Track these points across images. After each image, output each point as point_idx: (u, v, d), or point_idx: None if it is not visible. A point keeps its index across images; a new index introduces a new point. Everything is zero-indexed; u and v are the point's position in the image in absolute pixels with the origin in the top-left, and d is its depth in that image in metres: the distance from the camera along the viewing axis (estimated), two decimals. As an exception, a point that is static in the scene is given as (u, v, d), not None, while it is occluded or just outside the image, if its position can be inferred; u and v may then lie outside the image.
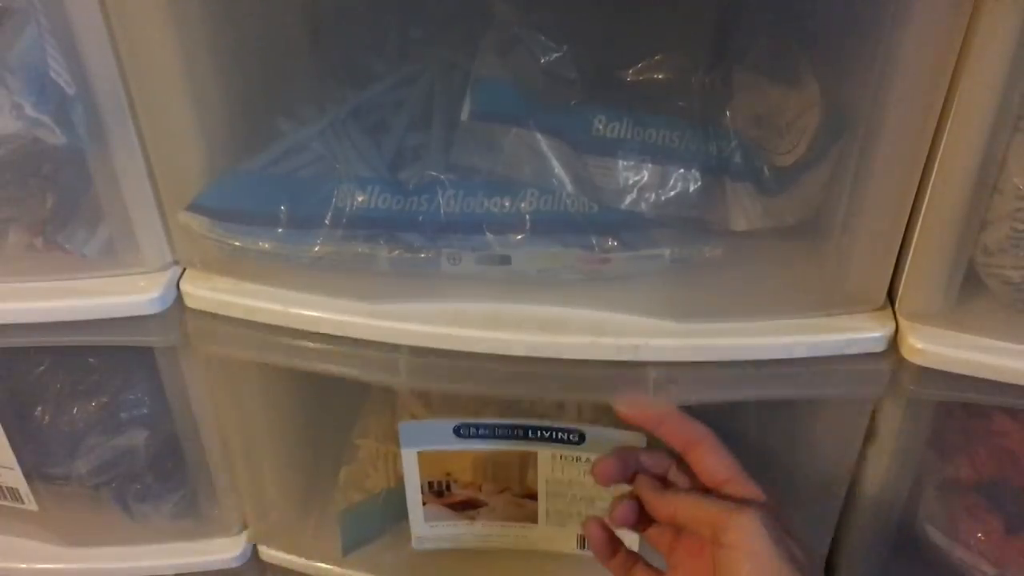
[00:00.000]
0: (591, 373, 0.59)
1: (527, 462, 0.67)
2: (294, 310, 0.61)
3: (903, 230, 0.55)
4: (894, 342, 0.57)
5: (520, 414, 0.66)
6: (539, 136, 0.57)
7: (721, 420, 0.66)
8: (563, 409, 0.68)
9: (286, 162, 0.61)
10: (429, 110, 0.62)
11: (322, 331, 0.61)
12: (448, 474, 0.69)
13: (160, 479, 0.77)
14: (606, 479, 0.56)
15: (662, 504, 0.53)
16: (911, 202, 0.54)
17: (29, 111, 0.56)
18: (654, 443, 0.57)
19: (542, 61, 0.58)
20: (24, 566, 0.79)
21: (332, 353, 0.62)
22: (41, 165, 0.60)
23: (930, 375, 0.57)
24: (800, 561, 0.49)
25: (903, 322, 0.57)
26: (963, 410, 0.66)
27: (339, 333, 0.61)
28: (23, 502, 0.76)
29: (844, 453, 0.65)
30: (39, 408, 0.73)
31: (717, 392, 0.60)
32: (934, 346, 0.56)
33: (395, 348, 0.61)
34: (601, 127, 0.58)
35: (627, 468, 0.56)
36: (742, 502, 0.51)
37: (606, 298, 0.59)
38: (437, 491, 0.70)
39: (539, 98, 0.58)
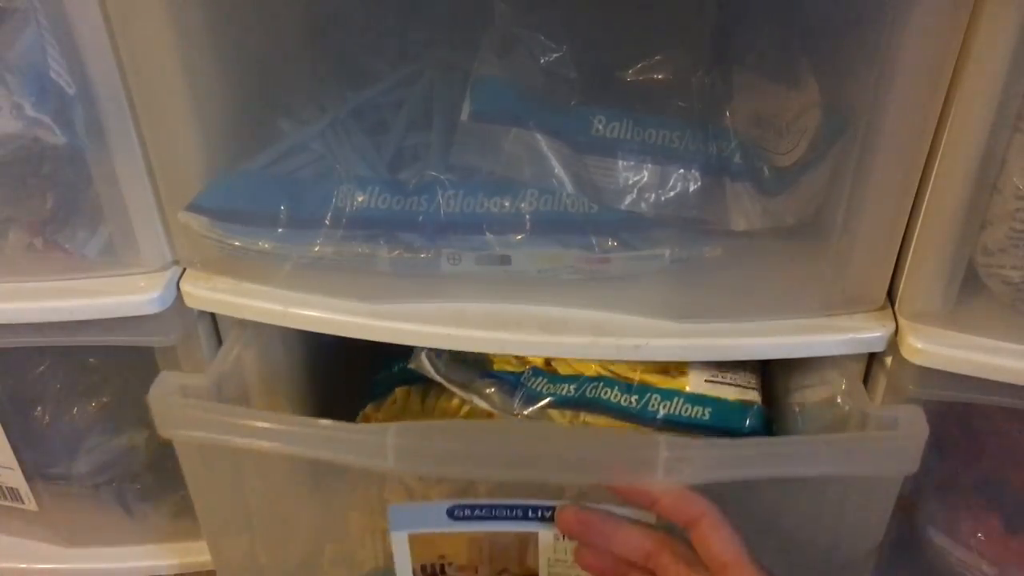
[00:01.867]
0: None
1: (527, 542, 0.63)
2: (294, 310, 0.61)
3: (903, 230, 0.55)
4: (894, 342, 0.57)
5: (519, 495, 0.62)
6: (539, 136, 0.57)
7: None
8: (563, 490, 0.64)
9: (286, 162, 0.61)
10: (429, 110, 0.62)
11: (322, 331, 0.61)
12: (442, 556, 0.65)
13: (160, 479, 0.77)
14: (565, 528, 0.57)
15: None
16: (911, 202, 0.54)
17: (29, 111, 0.56)
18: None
19: (542, 61, 0.58)
20: (24, 566, 0.79)
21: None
22: (41, 165, 0.60)
23: (930, 375, 0.56)
24: None
25: (903, 322, 0.57)
26: (963, 410, 0.66)
27: (339, 333, 0.61)
28: (23, 502, 0.76)
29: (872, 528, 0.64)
30: (39, 408, 0.73)
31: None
32: (934, 346, 0.55)
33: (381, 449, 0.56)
34: (601, 127, 0.58)
35: (590, 531, 0.56)
36: None
37: (606, 298, 0.59)
38: (431, 574, 0.66)
39: (539, 98, 0.58)
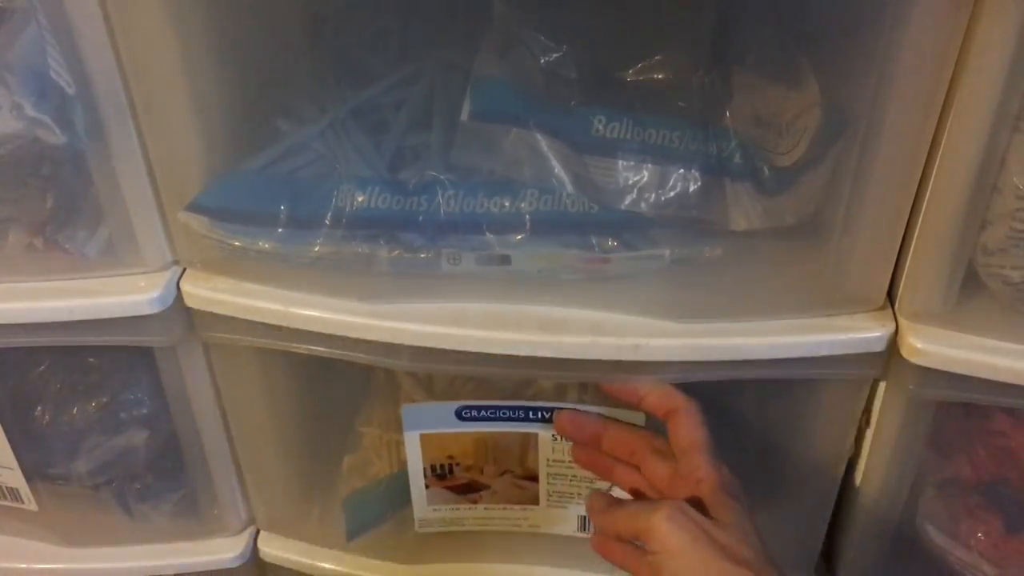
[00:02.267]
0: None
1: (528, 444, 0.68)
2: (294, 310, 0.61)
3: (903, 230, 0.55)
4: (894, 342, 0.57)
5: (523, 400, 0.67)
6: (539, 136, 0.57)
7: (717, 400, 0.67)
8: (564, 393, 0.68)
9: (286, 162, 0.61)
10: (429, 110, 0.62)
11: (322, 331, 0.61)
12: (450, 457, 0.70)
13: (160, 479, 0.77)
14: (561, 429, 0.64)
15: (607, 521, 0.56)
16: (911, 202, 0.54)
17: (29, 111, 0.56)
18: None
19: (542, 61, 0.58)
20: (24, 566, 0.79)
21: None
22: (41, 165, 0.60)
23: (930, 375, 0.57)
24: (732, 548, 0.50)
25: (903, 322, 0.57)
26: (963, 410, 0.66)
27: (339, 333, 0.61)
28: (23, 502, 0.76)
29: (839, 440, 0.65)
30: (39, 408, 0.73)
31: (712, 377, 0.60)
32: (934, 346, 0.56)
33: (395, 348, 0.61)
34: (601, 127, 0.58)
35: (583, 431, 0.62)
36: (657, 502, 0.53)
37: (606, 298, 0.59)
38: (440, 474, 0.71)
39: (539, 98, 0.58)
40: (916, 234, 0.54)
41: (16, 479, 0.74)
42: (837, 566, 0.72)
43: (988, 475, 0.66)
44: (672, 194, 0.57)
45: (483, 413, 0.67)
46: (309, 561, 0.78)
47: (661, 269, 0.58)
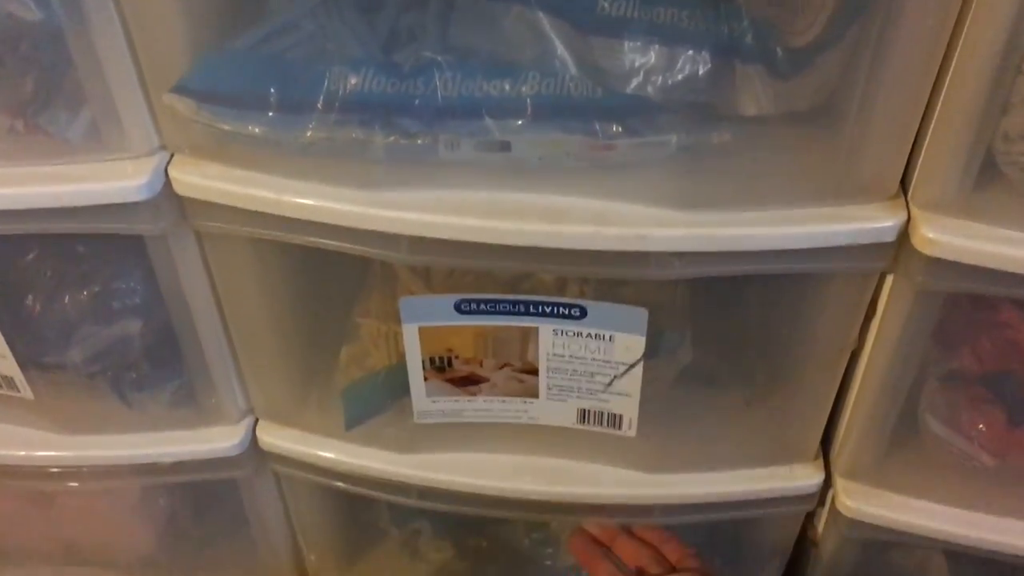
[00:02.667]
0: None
1: (528, 337, 0.68)
2: (287, 198, 0.59)
3: (921, 115, 0.53)
4: (905, 233, 0.56)
5: (521, 293, 0.66)
6: (541, 15, 0.54)
7: (722, 293, 0.67)
8: (564, 288, 0.68)
9: (275, 41, 0.59)
10: (425, -14, 0.59)
11: (316, 220, 0.60)
12: (449, 349, 0.69)
13: (156, 368, 0.76)
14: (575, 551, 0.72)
15: None
16: (931, 84, 0.52)
17: (0, -16, 0.53)
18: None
19: (545, -67, 0.55)
20: (23, 453, 0.79)
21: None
22: (19, 43, 0.58)
23: (941, 266, 0.55)
24: None
25: (915, 212, 0.56)
26: (969, 301, 0.65)
27: (334, 222, 0.60)
28: (19, 390, 0.76)
29: (843, 332, 0.64)
30: (30, 297, 0.72)
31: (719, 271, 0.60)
32: (947, 236, 0.54)
33: (392, 239, 0.59)
34: (607, 5, 0.55)
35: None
36: None
37: (610, 186, 0.58)
38: (438, 366, 0.70)
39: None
40: (935, 119, 0.52)
41: (10, 367, 0.74)
42: (836, 456, 0.72)
43: (993, 367, 0.66)
44: (680, 77, 0.55)
45: (483, 306, 0.66)
46: (308, 450, 0.78)
47: (667, 156, 0.57)
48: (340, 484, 0.80)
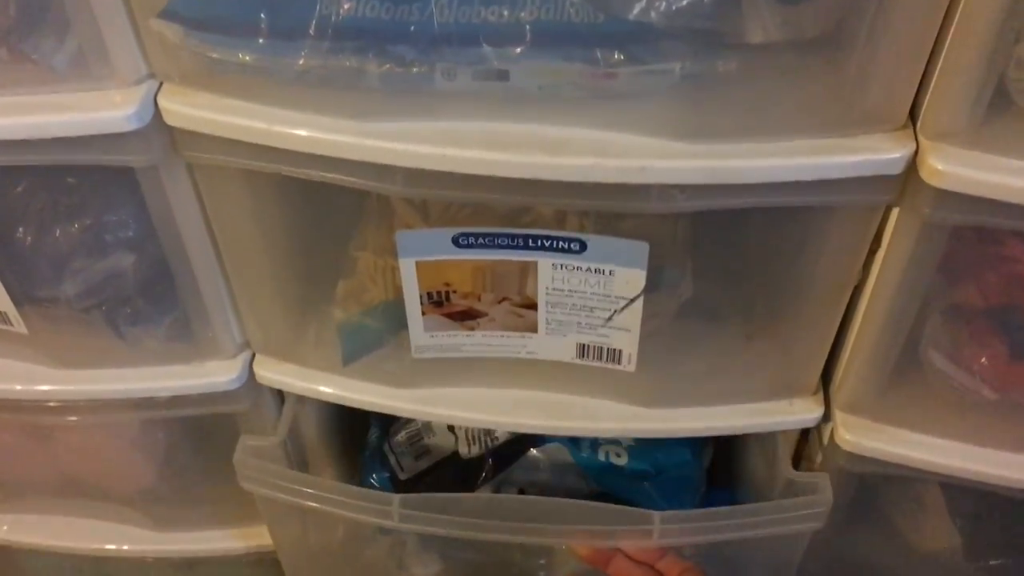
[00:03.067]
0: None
1: (527, 271, 0.67)
2: (279, 128, 0.58)
3: (933, 40, 0.51)
4: (913, 164, 0.55)
5: (520, 227, 0.65)
6: (541, -64, 0.52)
7: (724, 226, 0.66)
8: (564, 221, 0.67)
9: (266, -36, 0.57)
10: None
11: (310, 151, 0.58)
12: (447, 284, 0.69)
13: (151, 302, 0.75)
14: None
15: None
16: (944, 9, 0.50)
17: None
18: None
19: None
20: (19, 387, 0.79)
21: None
22: (-2, -35, 0.56)
23: (948, 198, 0.54)
24: None
25: (924, 142, 0.54)
26: (975, 234, 0.64)
27: (328, 154, 0.58)
28: (12, 325, 0.75)
29: (847, 267, 0.64)
30: (20, 229, 0.71)
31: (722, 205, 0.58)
32: (956, 167, 0.53)
33: (388, 171, 0.58)
34: (609, -74, 0.53)
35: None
36: None
37: (611, 117, 0.56)
38: (436, 301, 0.70)
39: None
40: (946, 45, 0.51)
41: (3, 301, 0.73)
42: (836, 390, 0.72)
43: (997, 301, 0.65)
44: (685, 2, 0.53)
45: (481, 240, 0.65)
46: (305, 384, 0.78)
47: (671, 85, 0.55)
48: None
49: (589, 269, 0.66)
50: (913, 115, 0.55)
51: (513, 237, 0.65)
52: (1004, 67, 0.51)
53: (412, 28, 0.54)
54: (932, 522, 0.82)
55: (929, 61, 0.52)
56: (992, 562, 0.83)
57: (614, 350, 0.71)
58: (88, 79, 0.58)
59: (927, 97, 0.54)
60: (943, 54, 0.51)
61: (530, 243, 0.65)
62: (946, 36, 0.51)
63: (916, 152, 0.54)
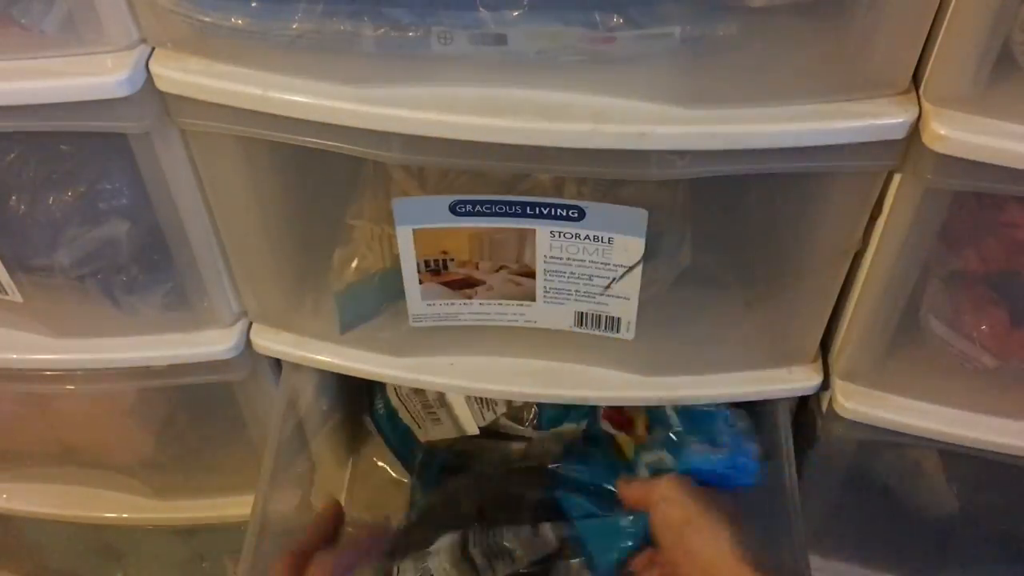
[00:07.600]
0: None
1: (525, 239, 0.66)
2: (273, 94, 0.57)
3: (937, 2, 0.50)
4: (915, 129, 0.54)
5: (518, 194, 0.65)
6: None
7: (724, 193, 0.65)
8: (562, 189, 0.66)
9: (258, -74, 0.56)
10: None
11: (304, 118, 0.58)
12: (444, 252, 0.68)
13: (146, 270, 0.75)
14: None
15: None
16: (949, -31, 0.49)
17: None
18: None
19: None
20: (15, 356, 0.79)
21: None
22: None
23: (951, 164, 0.54)
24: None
25: (927, 107, 0.54)
26: (976, 200, 0.64)
27: (323, 120, 0.58)
28: (7, 293, 0.75)
29: (848, 233, 0.63)
30: (13, 198, 0.70)
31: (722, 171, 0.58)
32: (959, 132, 0.52)
33: (384, 137, 0.57)
34: None
35: None
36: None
37: (610, 82, 0.55)
38: (434, 269, 0.69)
39: None
40: (951, 8, 0.50)
41: (-3, 270, 0.73)
42: (835, 358, 0.72)
43: (997, 268, 0.65)
44: (685, -36, 0.52)
45: (478, 208, 0.64)
46: (302, 353, 0.78)
47: (670, 49, 0.54)
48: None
49: (587, 236, 0.65)
50: (916, 79, 0.55)
51: (511, 204, 0.64)
52: (1009, 30, 0.50)
53: (408, -10, 0.53)
54: (930, 488, 0.82)
55: (933, 24, 0.52)
56: (989, 528, 0.83)
57: (612, 318, 0.70)
58: (79, 44, 0.58)
59: (931, 61, 0.53)
60: (947, 17, 0.51)
61: (528, 210, 0.64)
62: (950, -1, 0.50)
63: (919, 117, 0.54)
